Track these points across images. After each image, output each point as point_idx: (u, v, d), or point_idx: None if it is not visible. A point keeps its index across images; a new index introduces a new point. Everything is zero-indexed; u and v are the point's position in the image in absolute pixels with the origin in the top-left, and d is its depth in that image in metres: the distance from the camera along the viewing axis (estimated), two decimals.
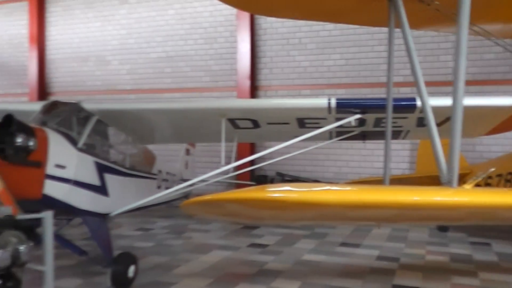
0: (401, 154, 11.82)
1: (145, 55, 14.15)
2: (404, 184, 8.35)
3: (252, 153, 13.00)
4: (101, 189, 6.37)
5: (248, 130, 7.01)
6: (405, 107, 6.05)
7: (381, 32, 11.90)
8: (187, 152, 11.83)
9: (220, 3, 13.14)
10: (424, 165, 10.64)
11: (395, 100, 5.83)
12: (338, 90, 12.21)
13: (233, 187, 12.09)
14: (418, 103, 5.90)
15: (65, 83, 15.30)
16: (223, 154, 6.36)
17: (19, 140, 4.84)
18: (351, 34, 12.08)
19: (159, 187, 9.19)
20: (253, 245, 8.34)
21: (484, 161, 10.32)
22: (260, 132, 7.12)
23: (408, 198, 3.41)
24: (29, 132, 4.97)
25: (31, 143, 4.95)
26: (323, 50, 12.35)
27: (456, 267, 7.00)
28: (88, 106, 6.37)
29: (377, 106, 6.03)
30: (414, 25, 4.91)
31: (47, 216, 3.93)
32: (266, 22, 12.77)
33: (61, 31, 15.34)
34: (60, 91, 15.35)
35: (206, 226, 10.21)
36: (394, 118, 6.01)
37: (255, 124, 6.79)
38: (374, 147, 11.53)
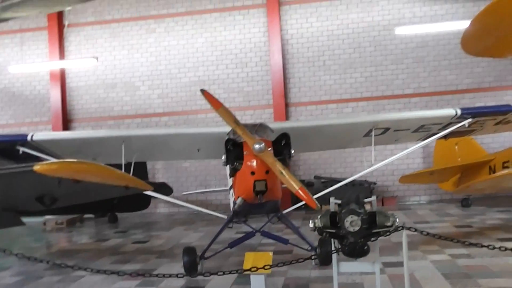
0: (415, 152, 14.47)
1: (176, 80, 15.39)
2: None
3: None
4: None
5: (377, 136, 8.93)
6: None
7: (392, 54, 14.64)
8: None
9: (249, 32, 14.92)
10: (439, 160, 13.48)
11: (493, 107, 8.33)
12: (360, 103, 14.65)
13: None
14: None
15: (91, 109, 15.90)
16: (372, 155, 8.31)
17: (293, 152, 6.50)
18: (367, 56, 14.62)
19: None
20: None
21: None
22: (384, 137, 9.13)
23: None
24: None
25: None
26: (345, 70, 14.71)
27: None
28: (273, 125, 7.97)
29: (487, 113, 8.40)
30: None
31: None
32: (293, 48, 14.85)
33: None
34: (85, 118, 15.92)
35: None
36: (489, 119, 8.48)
37: (385, 131, 8.83)
38: (393, 147, 13.99)
